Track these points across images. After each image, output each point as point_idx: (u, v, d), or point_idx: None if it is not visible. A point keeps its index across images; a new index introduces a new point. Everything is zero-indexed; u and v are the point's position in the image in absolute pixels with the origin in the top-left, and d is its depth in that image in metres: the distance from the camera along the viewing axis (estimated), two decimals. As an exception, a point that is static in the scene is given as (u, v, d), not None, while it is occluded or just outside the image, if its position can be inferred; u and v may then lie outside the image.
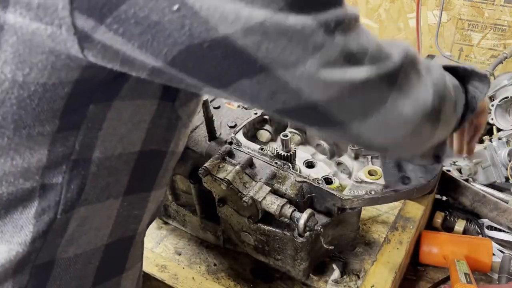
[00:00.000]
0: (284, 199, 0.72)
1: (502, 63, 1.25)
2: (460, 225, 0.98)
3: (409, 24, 1.44)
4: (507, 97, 1.09)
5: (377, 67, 0.44)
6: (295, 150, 0.82)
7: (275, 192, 0.74)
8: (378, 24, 1.51)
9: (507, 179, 1.02)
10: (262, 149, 0.82)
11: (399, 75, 0.46)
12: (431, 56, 1.33)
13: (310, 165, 0.87)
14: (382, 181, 0.77)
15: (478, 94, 0.63)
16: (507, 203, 0.93)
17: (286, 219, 0.73)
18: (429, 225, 1.00)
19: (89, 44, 0.39)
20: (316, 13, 0.39)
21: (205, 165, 0.76)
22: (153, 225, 0.96)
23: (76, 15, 0.37)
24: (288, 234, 0.74)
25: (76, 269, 0.52)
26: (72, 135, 0.45)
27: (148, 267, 0.83)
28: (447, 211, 1.03)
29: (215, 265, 0.89)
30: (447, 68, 0.63)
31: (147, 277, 0.83)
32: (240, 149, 0.81)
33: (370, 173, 0.79)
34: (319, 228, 0.73)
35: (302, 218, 0.69)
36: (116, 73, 0.43)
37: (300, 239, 0.72)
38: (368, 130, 0.47)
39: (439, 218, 0.99)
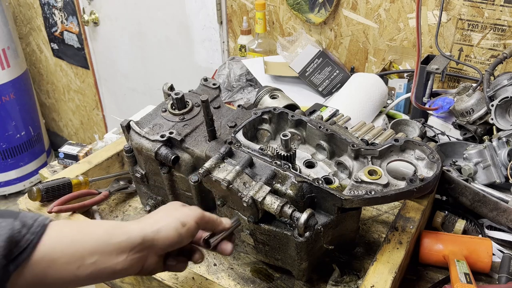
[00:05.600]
0: (284, 199, 0.72)
1: (502, 63, 1.25)
2: (460, 225, 0.98)
3: (409, 24, 1.44)
4: (507, 97, 1.09)
5: None
6: (295, 150, 0.82)
7: (275, 192, 0.74)
8: (378, 24, 1.51)
9: (507, 179, 1.02)
10: (262, 149, 0.82)
11: None
12: (431, 56, 1.33)
13: (310, 165, 0.87)
14: (382, 181, 0.77)
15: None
16: (507, 203, 0.93)
17: (286, 219, 0.74)
18: (429, 225, 1.00)
19: None
20: None
21: (205, 165, 0.76)
22: (153, 225, 0.96)
23: None
24: (288, 234, 0.74)
25: None
26: None
27: (148, 267, 0.83)
28: (447, 211, 1.03)
29: (215, 265, 0.90)
30: None
31: (147, 277, 0.83)
32: (240, 149, 0.81)
33: (370, 173, 0.79)
34: (319, 227, 0.73)
35: (302, 217, 0.69)
36: None
37: (300, 239, 0.72)
38: None
39: (439, 218, 0.99)
